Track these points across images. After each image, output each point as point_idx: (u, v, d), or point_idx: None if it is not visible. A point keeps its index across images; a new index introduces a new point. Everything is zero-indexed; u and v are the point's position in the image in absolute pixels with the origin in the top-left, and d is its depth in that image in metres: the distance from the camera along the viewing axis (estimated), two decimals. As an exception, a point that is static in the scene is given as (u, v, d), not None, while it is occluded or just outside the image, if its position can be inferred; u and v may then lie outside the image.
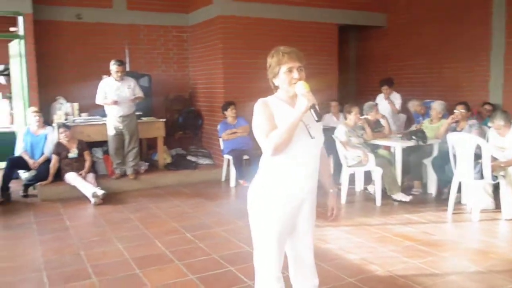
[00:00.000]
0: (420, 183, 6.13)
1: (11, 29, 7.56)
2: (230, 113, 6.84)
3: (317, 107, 2.36)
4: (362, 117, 6.40)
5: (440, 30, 7.68)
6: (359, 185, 6.25)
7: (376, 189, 5.58)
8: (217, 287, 3.29)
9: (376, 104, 6.52)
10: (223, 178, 7.01)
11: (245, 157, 6.72)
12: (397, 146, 5.73)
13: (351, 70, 9.49)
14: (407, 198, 5.56)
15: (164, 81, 7.91)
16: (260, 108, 2.39)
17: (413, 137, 5.77)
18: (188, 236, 4.44)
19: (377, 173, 5.55)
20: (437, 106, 6.13)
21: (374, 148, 6.17)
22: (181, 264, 3.76)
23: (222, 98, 7.13)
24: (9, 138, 7.09)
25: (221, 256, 3.90)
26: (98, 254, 4.03)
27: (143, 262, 3.80)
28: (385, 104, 7.13)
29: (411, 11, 8.17)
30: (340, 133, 5.71)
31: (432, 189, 5.97)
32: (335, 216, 2.72)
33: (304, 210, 2.51)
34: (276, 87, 2.48)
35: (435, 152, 5.97)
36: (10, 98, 8.17)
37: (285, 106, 2.39)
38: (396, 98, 7.25)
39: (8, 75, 8.31)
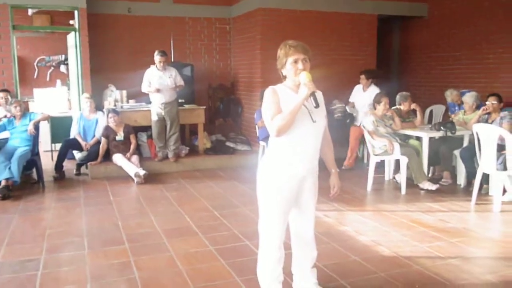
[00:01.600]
0: (450, 174, 6.17)
1: (71, 22, 8.27)
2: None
3: (316, 94, 2.67)
4: (394, 107, 6.53)
5: (486, 20, 7.54)
6: (388, 174, 6.38)
7: (401, 177, 5.71)
8: (231, 257, 3.63)
9: (410, 95, 6.57)
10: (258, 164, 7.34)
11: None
12: (424, 136, 5.82)
13: (394, 60, 9.48)
14: (433, 187, 5.65)
15: (206, 70, 8.34)
16: (269, 94, 2.71)
17: (442, 127, 5.82)
18: (215, 214, 4.83)
19: (402, 162, 5.67)
20: (468, 98, 6.12)
21: (405, 138, 6.28)
22: (204, 237, 4.15)
23: (260, 87, 7.44)
24: (66, 122, 7.75)
25: (241, 231, 4.25)
26: (133, 225, 4.51)
27: (171, 234, 4.23)
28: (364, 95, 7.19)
29: (454, 0, 8.07)
30: (367, 123, 5.88)
31: (461, 180, 6.00)
32: (336, 193, 2.98)
33: (306, 186, 2.81)
34: (285, 77, 2.79)
35: (466, 144, 5.99)
36: (68, 85, 8.91)
37: (290, 93, 2.70)
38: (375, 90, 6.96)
39: (67, 64, 9.08)
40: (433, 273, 3.36)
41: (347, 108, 7.37)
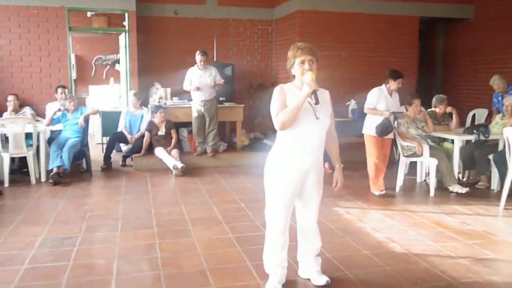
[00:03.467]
0: (486, 178, 6.09)
1: (124, 23, 8.85)
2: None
3: (320, 93, 2.89)
4: (429, 109, 6.52)
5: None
6: (420, 176, 6.38)
7: (430, 180, 5.72)
8: (247, 245, 3.87)
9: (446, 98, 6.53)
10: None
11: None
12: (455, 138, 5.79)
13: (438, 62, 9.34)
14: (463, 190, 5.62)
15: (247, 70, 8.64)
16: (276, 91, 2.96)
17: (474, 131, 5.77)
18: (241, 206, 5.10)
19: (431, 164, 5.68)
20: (507, 101, 6.01)
21: (440, 141, 6.27)
22: (227, 225, 4.43)
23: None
24: (117, 117, 8.31)
25: (262, 222, 4.40)
26: (164, 212, 4.87)
27: (197, 222, 4.54)
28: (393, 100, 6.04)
29: (501, 2, 7.87)
30: (399, 124, 5.91)
31: (495, 184, 5.91)
32: (339, 188, 3.16)
33: (309, 179, 3.01)
34: (293, 76, 3.02)
35: (500, 148, 5.89)
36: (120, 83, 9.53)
37: (296, 91, 2.92)
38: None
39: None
40: (439, 270, 3.44)
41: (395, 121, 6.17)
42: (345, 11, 7.68)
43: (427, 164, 5.95)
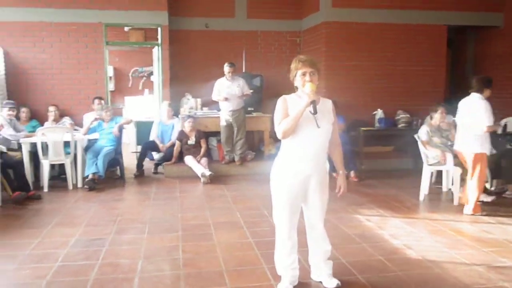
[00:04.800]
0: (514, 187, 6.02)
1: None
2: (328, 111, 7.46)
3: (322, 103, 3.05)
4: (453, 118, 6.50)
5: None
6: (446, 185, 6.36)
7: (453, 188, 5.72)
8: (265, 249, 4.02)
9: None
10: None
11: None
12: (480, 147, 5.75)
13: (468, 71, 9.23)
14: (488, 199, 5.59)
15: (276, 81, 8.79)
16: (279, 102, 3.14)
17: (500, 139, 5.72)
18: (263, 212, 5.26)
19: (455, 173, 5.67)
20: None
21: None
22: (247, 230, 4.60)
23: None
24: (150, 127, 8.68)
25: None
26: (190, 217, 5.10)
27: (219, 226, 4.75)
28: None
29: (532, 9, 7.77)
30: (422, 133, 5.96)
31: (523, 194, 5.83)
32: (343, 193, 3.28)
33: (312, 184, 3.16)
34: (296, 87, 3.19)
35: (528, 157, 5.81)
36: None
37: (298, 101, 3.08)
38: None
39: (154, 75, 10.10)
40: (451, 276, 3.49)
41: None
42: (371, 22, 7.77)
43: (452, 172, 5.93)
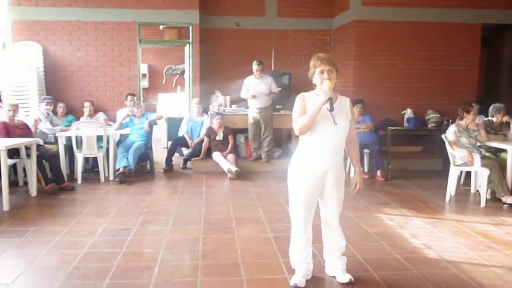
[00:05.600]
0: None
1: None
2: (356, 110, 7.44)
3: (340, 100, 3.11)
4: (486, 119, 6.39)
5: None
6: (474, 187, 6.24)
7: (481, 190, 5.62)
8: (283, 244, 4.08)
9: (503, 107, 6.35)
10: (346, 169, 7.65)
11: (366, 151, 7.29)
12: (509, 148, 5.63)
13: (504, 71, 8.99)
14: (516, 202, 5.46)
15: (304, 79, 8.66)
16: (298, 99, 3.22)
17: (531, 141, 5.58)
18: (285, 208, 5.28)
19: (482, 174, 5.57)
20: None
21: (497, 151, 6.11)
22: (268, 225, 4.70)
23: (352, 96, 7.75)
24: (180, 123, 8.94)
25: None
26: (213, 211, 5.24)
27: (241, 221, 4.86)
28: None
29: None
30: (449, 133, 5.87)
31: (556, 197, 5.65)
32: (359, 190, 3.32)
33: (329, 180, 3.21)
34: (314, 85, 3.26)
35: (562, 160, 5.63)
36: (186, 91, 10.14)
37: (316, 99, 3.14)
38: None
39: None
40: (468, 277, 3.46)
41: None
42: (401, 20, 7.68)
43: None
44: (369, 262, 3.73)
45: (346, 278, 3.32)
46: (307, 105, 3.14)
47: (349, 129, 3.22)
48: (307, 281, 3.31)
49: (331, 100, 3.03)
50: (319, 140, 3.13)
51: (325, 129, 3.09)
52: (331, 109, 3.03)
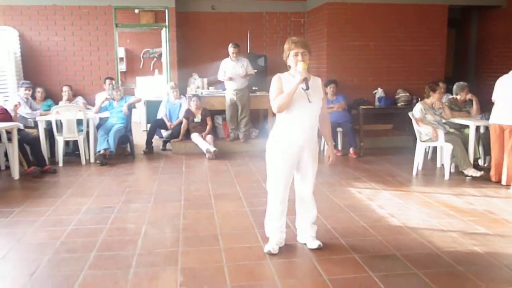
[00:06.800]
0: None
1: (167, 18, 9.54)
2: (329, 90, 7.72)
3: (313, 80, 3.37)
4: (451, 96, 6.74)
5: None
6: (439, 161, 6.61)
7: (444, 164, 5.98)
8: (259, 216, 4.32)
9: (467, 85, 6.70)
10: (321, 147, 7.95)
11: (340, 129, 7.59)
12: (470, 124, 6.00)
13: (471, 51, 9.36)
14: (477, 174, 5.84)
15: (280, 61, 8.85)
16: (274, 80, 3.47)
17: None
18: (262, 185, 5.59)
19: (446, 149, 5.94)
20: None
21: (461, 128, 6.47)
22: (245, 201, 4.96)
23: (326, 77, 8.01)
24: (159, 106, 9.10)
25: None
26: (193, 190, 5.47)
27: (219, 197, 5.12)
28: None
29: (533, -12, 7.84)
30: (416, 110, 6.20)
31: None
32: (331, 162, 3.62)
33: (304, 154, 3.49)
34: (289, 66, 3.50)
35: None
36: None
37: (291, 79, 3.39)
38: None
39: (164, 56, 10.41)
40: (426, 241, 3.80)
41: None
42: (373, 3, 7.92)
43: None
44: (338, 231, 4.04)
45: (315, 244, 3.62)
46: (283, 85, 3.39)
47: (321, 107, 3.48)
48: (280, 248, 3.59)
49: (306, 80, 3.28)
50: (296, 117, 3.39)
51: (300, 107, 3.35)
52: (307, 88, 3.29)
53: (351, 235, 3.94)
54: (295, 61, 3.39)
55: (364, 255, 3.52)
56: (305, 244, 3.70)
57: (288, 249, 3.65)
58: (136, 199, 5.06)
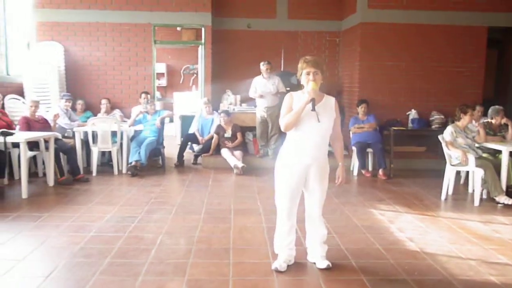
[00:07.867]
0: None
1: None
2: (360, 110, 7.67)
3: (325, 100, 3.41)
4: (485, 120, 6.54)
5: None
6: (471, 187, 6.39)
7: (475, 189, 5.78)
8: (273, 233, 4.32)
9: (502, 109, 6.49)
10: (351, 167, 7.87)
11: (369, 150, 7.50)
12: (503, 149, 5.78)
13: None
14: (509, 201, 5.61)
15: None
16: (286, 97, 3.53)
17: (525, 142, 5.71)
18: (284, 202, 5.62)
19: (477, 174, 5.74)
20: None
21: (495, 153, 6.25)
22: (264, 217, 4.99)
23: (358, 96, 7.98)
24: (192, 120, 9.31)
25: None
26: (215, 203, 5.56)
27: (239, 212, 5.17)
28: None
29: None
30: (446, 133, 6.05)
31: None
32: (340, 183, 3.61)
33: (312, 172, 3.50)
34: (302, 85, 3.55)
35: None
36: (200, 90, 10.51)
37: (302, 98, 3.43)
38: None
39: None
40: (441, 267, 3.69)
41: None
42: (407, 23, 7.86)
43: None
44: (350, 251, 3.99)
45: (324, 264, 3.59)
46: (293, 103, 3.43)
47: (334, 126, 3.50)
48: (289, 266, 3.59)
49: (313, 101, 3.31)
50: (303, 135, 3.42)
51: (309, 126, 3.38)
52: (313, 109, 3.31)
53: (363, 256, 3.88)
54: (307, 80, 3.43)
55: (372, 277, 3.46)
56: (315, 263, 3.68)
57: (297, 267, 3.64)
58: (159, 210, 5.20)
